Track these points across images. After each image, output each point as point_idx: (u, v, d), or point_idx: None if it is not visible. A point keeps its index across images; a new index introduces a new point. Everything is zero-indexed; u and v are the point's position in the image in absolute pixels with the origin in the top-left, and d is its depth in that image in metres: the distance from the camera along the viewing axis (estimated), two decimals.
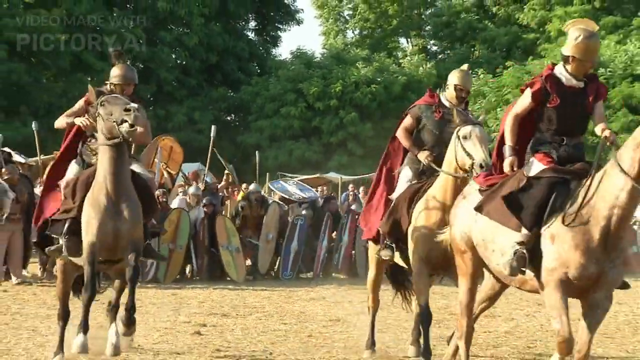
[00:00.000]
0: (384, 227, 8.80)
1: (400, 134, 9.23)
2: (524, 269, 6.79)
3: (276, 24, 48.24)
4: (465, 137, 8.13)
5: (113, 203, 7.85)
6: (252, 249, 17.18)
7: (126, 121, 7.52)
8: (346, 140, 39.52)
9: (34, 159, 19.28)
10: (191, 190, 17.23)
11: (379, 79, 40.52)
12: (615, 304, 13.03)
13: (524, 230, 6.74)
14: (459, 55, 45.01)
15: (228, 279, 16.39)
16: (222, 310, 12.34)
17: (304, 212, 18.01)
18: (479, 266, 7.50)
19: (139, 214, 8.01)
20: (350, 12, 51.76)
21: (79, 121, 8.39)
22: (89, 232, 7.86)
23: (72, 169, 8.60)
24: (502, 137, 7.55)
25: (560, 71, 7.21)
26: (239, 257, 16.63)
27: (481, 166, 7.83)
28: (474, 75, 37.04)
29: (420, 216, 8.45)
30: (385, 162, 9.48)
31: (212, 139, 19.04)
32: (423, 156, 8.79)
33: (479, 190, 7.47)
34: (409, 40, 51.54)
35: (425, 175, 8.84)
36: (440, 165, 8.51)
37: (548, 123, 7.16)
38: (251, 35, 48.04)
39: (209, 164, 19.33)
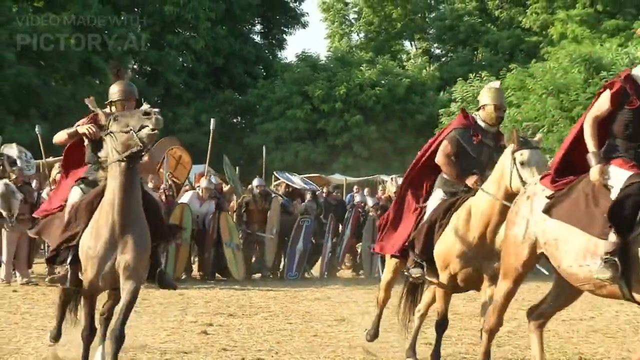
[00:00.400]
0: (417, 245, 8.48)
1: (442, 160, 8.66)
2: (617, 277, 6.40)
3: (282, 27, 48.42)
4: (522, 163, 7.77)
5: (116, 234, 7.21)
6: (258, 242, 17.35)
7: (146, 126, 6.95)
8: (351, 142, 39.66)
9: (37, 161, 19.29)
10: (203, 183, 17.31)
11: (383, 82, 40.64)
12: (617, 304, 13.21)
13: (613, 238, 6.36)
14: (462, 58, 45.22)
15: (226, 278, 16.54)
16: (228, 310, 12.38)
17: (307, 216, 18.03)
18: (529, 269, 7.27)
19: (145, 242, 7.40)
20: (356, 16, 51.91)
21: (84, 129, 7.78)
22: (88, 269, 7.33)
23: (76, 192, 7.96)
24: (573, 141, 7.00)
25: (639, 72, 6.73)
26: (239, 255, 16.80)
27: None
28: (477, 77, 37.25)
29: (456, 232, 8.20)
30: (407, 182, 9.21)
31: (211, 131, 18.96)
32: (471, 181, 8.36)
33: (546, 196, 7.00)
34: (412, 43, 51.67)
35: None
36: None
37: (624, 127, 6.68)
38: (257, 38, 48.22)
39: (209, 159, 19.20)
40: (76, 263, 7.46)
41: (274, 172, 22.63)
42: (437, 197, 8.69)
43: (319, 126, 40.31)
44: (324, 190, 21.15)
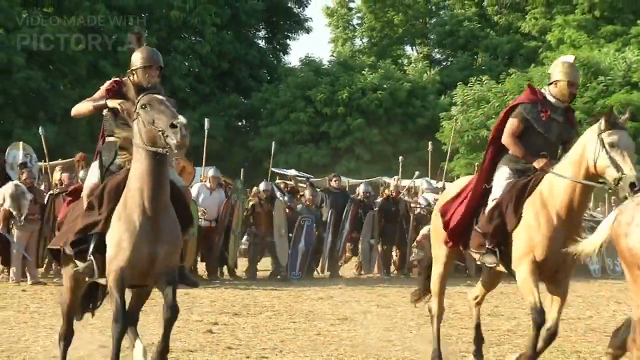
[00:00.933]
0: (485, 228, 7.92)
1: (508, 140, 8.09)
2: None
3: (285, 33, 48.60)
4: (612, 145, 7.27)
5: (150, 221, 6.65)
6: (267, 245, 17.48)
7: (172, 139, 6.44)
8: (353, 145, 39.82)
9: (40, 163, 19.26)
10: (210, 172, 17.41)
11: (385, 86, 40.79)
12: (614, 304, 13.36)
13: None
14: (461, 63, 45.39)
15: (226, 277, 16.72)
16: (233, 309, 12.45)
17: (308, 216, 18.03)
18: None
19: (179, 235, 6.93)
20: (359, 21, 52.07)
21: (114, 103, 7.24)
22: (119, 255, 6.68)
23: (94, 172, 7.36)
24: None
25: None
26: (238, 242, 17.15)
27: (633, 185, 7.06)
28: (478, 82, 37.41)
29: (538, 218, 7.66)
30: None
31: (205, 131, 18.85)
32: (541, 164, 7.82)
33: None
34: (413, 48, 51.83)
35: (524, 175, 7.99)
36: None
37: None
38: (262, 43, 48.39)
39: (205, 159, 19.17)
40: (99, 253, 6.84)
41: (271, 168, 22.67)
42: (502, 176, 8.11)
43: (321, 129, 40.49)
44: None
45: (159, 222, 6.71)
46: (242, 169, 23.57)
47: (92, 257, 6.86)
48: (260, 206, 17.54)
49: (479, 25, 46.95)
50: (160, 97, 6.80)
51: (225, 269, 17.39)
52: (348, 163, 38.50)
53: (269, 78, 45.70)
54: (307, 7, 48.98)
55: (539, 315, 7.74)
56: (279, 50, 49.04)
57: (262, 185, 18.20)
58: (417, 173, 22.80)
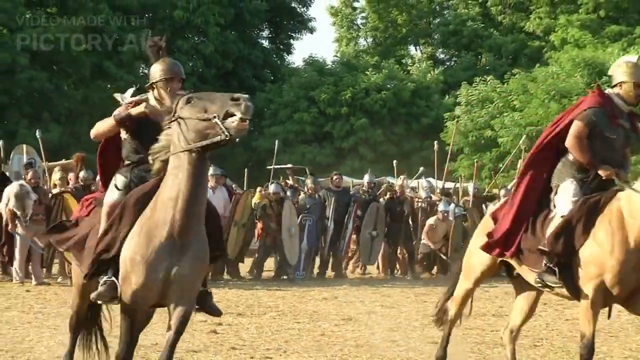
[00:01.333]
0: (554, 247, 7.22)
1: (575, 145, 7.44)
2: None
3: (289, 33, 48.66)
4: None
5: (177, 237, 5.91)
6: (276, 246, 17.40)
7: (233, 114, 5.68)
8: (357, 145, 39.86)
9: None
10: (210, 171, 17.25)
11: (388, 86, 40.83)
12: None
13: None
14: (465, 63, 45.39)
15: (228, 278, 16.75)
16: (237, 309, 12.46)
17: (309, 215, 17.87)
18: None
19: (205, 254, 6.15)
20: (363, 21, 52.11)
21: (139, 109, 6.64)
22: (132, 278, 6.00)
23: (113, 189, 6.67)
24: None
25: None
26: (241, 235, 16.89)
27: None
28: (483, 81, 37.41)
29: (612, 240, 7.07)
30: (528, 171, 7.80)
31: None
32: (607, 173, 7.36)
33: None
34: (417, 48, 51.87)
35: (590, 187, 7.47)
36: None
37: None
38: (265, 43, 48.44)
39: None
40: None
41: (267, 166, 22.64)
42: (569, 187, 7.48)
43: (325, 129, 40.53)
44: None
45: (186, 239, 5.96)
46: (245, 169, 23.56)
47: (113, 278, 6.17)
48: (271, 208, 17.42)
49: (482, 25, 46.95)
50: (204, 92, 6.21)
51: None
52: (352, 163, 38.49)
53: (272, 78, 45.75)
54: (310, 6, 49.06)
55: (588, 352, 7.32)
56: (283, 50, 49.09)
57: (272, 188, 18.13)
58: (422, 169, 22.85)
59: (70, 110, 37.21)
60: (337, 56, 48.42)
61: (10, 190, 15.03)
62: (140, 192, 6.29)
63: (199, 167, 5.90)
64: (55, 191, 16.22)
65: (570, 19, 39.93)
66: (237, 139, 5.75)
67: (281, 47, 48.95)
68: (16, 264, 15.29)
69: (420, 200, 19.27)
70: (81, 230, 6.99)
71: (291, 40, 49.06)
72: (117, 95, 6.96)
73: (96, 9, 38.58)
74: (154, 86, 6.81)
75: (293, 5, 48.61)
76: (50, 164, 18.48)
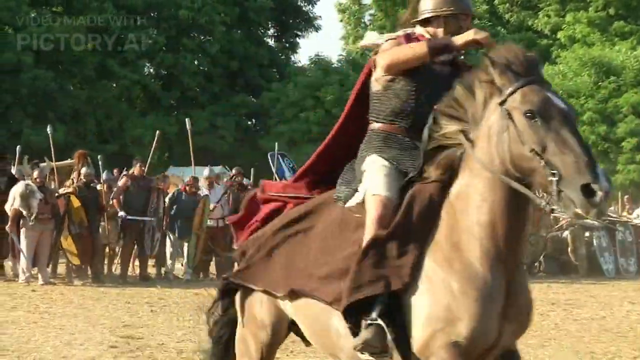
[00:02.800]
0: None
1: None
2: None
3: (295, 31, 48.66)
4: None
5: (504, 277, 4.17)
6: None
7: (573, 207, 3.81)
8: None
9: (44, 164, 19.09)
10: (205, 172, 17.44)
11: None
12: (628, 304, 13.29)
13: None
14: (472, 61, 45.27)
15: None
16: None
17: None
18: None
19: (531, 306, 4.41)
20: (371, 18, 52.09)
21: (481, 35, 4.69)
22: (453, 325, 4.08)
23: (380, 177, 4.57)
24: None
25: None
26: None
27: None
28: None
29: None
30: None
31: (189, 131, 18.74)
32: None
33: None
34: None
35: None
36: None
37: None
38: (271, 42, 48.43)
39: (194, 159, 19.02)
40: (389, 316, 4.23)
41: (268, 154, 22.59)
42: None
43: (331, 129, 40.44)
44: None
45: (512, 280, 4.23)
46: (252, 169, 23.55)
47: (381, 322, 4.22)
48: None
49: (489, 23, 46.87)
50: (560, 102, 4.11)
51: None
52: None
53: (278, 77, 45.75)
54: (316, 4, 49.03)
55: None
56: (288, 49, 49.08)
57: None
58: None
59: (75, 109, 37.23)
60: (342, 55, 48.39)
61: (16, 189, 15.02)
62: (423, 195, 4.40)
63: (517, 199, 4.17)
64: (61, 191, 16.18)
65: (579, 16, 39.79)
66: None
67: (287, 45, 48.97)
68: (22, 264, 15.26)
69: None
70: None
71: (297, 39, 49.09)
72: (372, 35, 5.11)
73: (101, 8, 38.64)
74: (429, 21, 4.87)
75: (299, 3, 48.59)
76: (56, 163, 18.40)
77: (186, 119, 19.41)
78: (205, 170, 17.48)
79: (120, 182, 16.67)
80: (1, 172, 15.91)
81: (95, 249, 15.81)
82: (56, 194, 15.85)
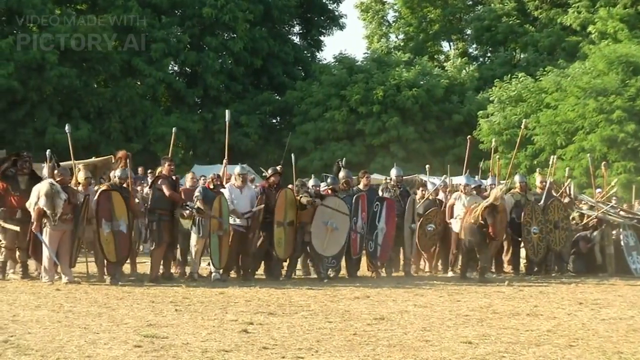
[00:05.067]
0: None
1: None
2: None
3: (320, 29, 48.70)
4: None
5: None
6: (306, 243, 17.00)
7: None
8: (389, 142, 39.76)
9: (66, 163, 19.04)
10: (237, 170, 16.82)
11: (421, 82, 40.71)
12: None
13: None
14: (501, 59, 45.18)
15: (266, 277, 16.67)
16: (268, 308, 12.37)
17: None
18: None
19: None
20: (393, 17, 52.08)
21: None
22: None
23: None
24: None
25: None
26: (291, 234, 16.58)
27: None
28: (515, 77, 37.18)
29: None
30: None
31: (227, 123, 18.57)
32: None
33: None
34: (451, 44, 51.73)
35: None
36: None
37: None
38: (296, 39, 48.51)
39: (227, 153, 18.81)
40: None
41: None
42: None
43: (357, 127, 40.49)
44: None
45: None
46: (278, 167, 23.49)
47: None
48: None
49: (517, 20, 46.70)
50: None
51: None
52: (383, 160, 38.37)
53: (303, 75, 45.78)
54: (341, 2, 49.12)
55: None
56: (313, 47, 49.13)
57: (311, 182, 17.91)
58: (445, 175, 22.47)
59: (100, 107, 37.39)
60: (367, 53, 48.37)
61: (40, 188, 14.95)
62: None
63: None
64: (96, 188, 16.11)
65: (612, 12, 39.41)
66: None
67: (312, 43, 49.03)
68: (45, 264, 15.27)
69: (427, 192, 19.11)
70: None
71: (321, 37, 49.15)
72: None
73: (126, 6, 38.85)
74: None
75: (324, 1, 48.63)
76: (78, 162, 18.36)
77: (226, 111, 19.31)
78: (237, 168, 17.10)
79: (164, 187, 16.11)
80: (21, 171, 15.86)
81: (131, 247, 16.04)
82: (95, 188, 15.87)
